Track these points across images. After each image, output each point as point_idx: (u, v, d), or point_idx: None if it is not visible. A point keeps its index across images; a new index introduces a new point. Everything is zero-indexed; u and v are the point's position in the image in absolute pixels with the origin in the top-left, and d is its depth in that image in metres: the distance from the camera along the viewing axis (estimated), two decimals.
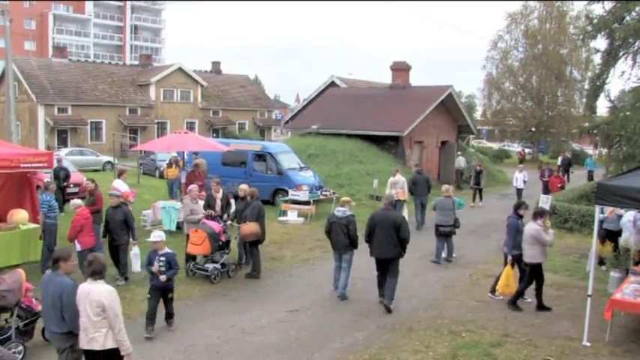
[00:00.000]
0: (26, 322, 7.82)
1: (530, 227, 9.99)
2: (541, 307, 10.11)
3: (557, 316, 9.93)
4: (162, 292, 8.88)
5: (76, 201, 11.27)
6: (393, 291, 10.06)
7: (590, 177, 30.10)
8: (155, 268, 8.69)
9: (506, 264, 10.65)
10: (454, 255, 13.82)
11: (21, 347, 7.61)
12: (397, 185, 17.54)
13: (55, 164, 16.91)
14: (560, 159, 32.46)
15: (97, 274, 5.95)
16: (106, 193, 12.17)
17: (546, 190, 22.03)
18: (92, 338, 5.84)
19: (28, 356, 7.74)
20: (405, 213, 16.53)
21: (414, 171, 19.73)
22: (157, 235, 8.95)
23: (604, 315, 8.76)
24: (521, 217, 10.65)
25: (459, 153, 30.00)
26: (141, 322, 9.16)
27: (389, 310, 9.92)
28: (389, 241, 9.85)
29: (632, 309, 8.73)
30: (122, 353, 5.89)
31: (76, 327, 5.96)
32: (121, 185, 14.77)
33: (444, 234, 13.48)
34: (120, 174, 15.07)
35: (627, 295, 8.73)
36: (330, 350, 8.31)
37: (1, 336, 7.53)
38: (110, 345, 5.84)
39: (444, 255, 13.68)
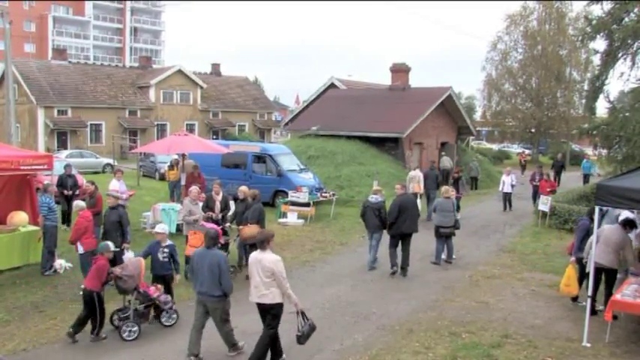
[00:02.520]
0: (143, 305, 8.87)
1: (622, 233, 9.66)
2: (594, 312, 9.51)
3: (557, 316, 9.93)
4: (163, 280, 9.42)
5: (79, 202, 11.25)
6: (408, 259, 12.42)
7: (586, 180, 28.49)
8: None
9: (582, 267, 10.39)
10: (454, 256, 13.81)
11: (136, 327, 8.63)
12: (414, 180, 19.35)
13: (62, 171, 16.64)
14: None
15: (264, 243, 7.45)
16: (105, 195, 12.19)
17: (536, 195, 20.98)
18: (263, 294, 7.38)
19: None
20: (419, 204, 16.85)
21: (427, 167, 22.08)
22: (161, 228, 9.64)
23: (604, 316, 8.77)
24: (593, 220, 10.37)
25: (443, 153, 29.16)
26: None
27: (406, 274, 12.18)
28: (412, 219, 12.44)
29: (632, 309, 8.73)
30: (292, 303, 7.47)
31: (229, 289, 7.65)
32: (114, 185, 15.12)
33: (444, 235, 13.49)
34: (114, 173, 16.02)
35: (627, 296, 8.72)
36: (329, 352, 8.31)
37: (123, 314, 8.71)
38: (277, 300, 7.40)
39: (443, 256, 13.67)
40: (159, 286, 9.25)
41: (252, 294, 7.55)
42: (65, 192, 16.14)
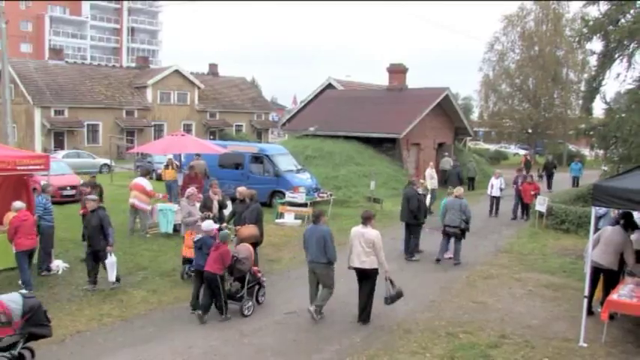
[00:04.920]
0: (252, 284, 10.10)
1: (623, 235, 9.62)
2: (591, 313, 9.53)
3: (554, 317, 9.95)
4: (201, 277, 9.72)
5: (16, 203, 10.94)
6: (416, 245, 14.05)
7: (576, 184, 27.67)
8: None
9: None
10: (460, 260, 13.59)
11: (250, 303, 9.92)
12: (428, 177, 20.79)
13: (87, 178, 15.98)
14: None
15: (367, 220, 9.33)
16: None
17: (519, 198, 20.16)
18: (363, 261, 9.20)
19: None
20: (428, 199, 17.53)
21: (450, 165, 24.03)
22: (209, 224, 10.30)
23: (601, 316, 8.79)
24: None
25: (445, 154, 28.98)
26: (137, 325, 9.17)
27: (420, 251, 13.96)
28: (405, 211, 13.97)
29: (628, 310, 8.74)
30: (384, 270, 9.27)
31: (334, 258, 9.35)
32: (147, 184, 15.45)
33: (450, 234, 13.62)
34: (145, 174, 16.20)
35: (623, 296, 8.74)
36: (327, 352, 8.31)
37: (238, 295, 9.90)
38: (374, 266, 9.23)
39: (448, 255, 13.75)
40: (256, 268, 10.41)
41: (353, 261, 9.33)
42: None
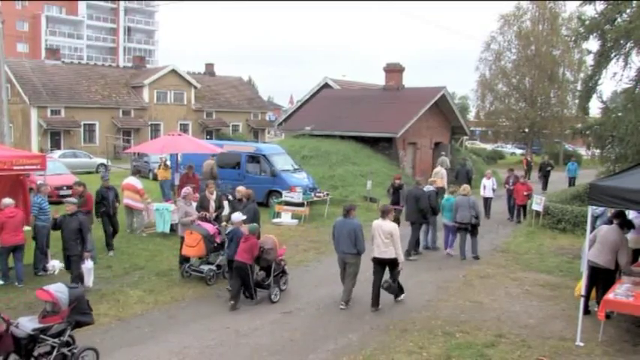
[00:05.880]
0: (277, 273, 10.85)
1: (619, 234, 9.61)
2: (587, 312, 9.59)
3: (550, 316, 9.96)
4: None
5: (6, 200, 10.93)
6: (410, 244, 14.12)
7: (572, 184, 27.03)
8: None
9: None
10: (479, 254, 14.23)
11: (277, 290, 10.67)
12: (438, 175, 20.72)
13: (100, 183, 14.16)
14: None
15: (385, 214, 10.17)
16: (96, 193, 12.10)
17: (510, 200, 19.79)
18: (383, 251, 9.99)
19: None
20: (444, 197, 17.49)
21: (459, 164, 24.16)
22: (238, 216, 10.88)
23: (597, 315, 8.80)
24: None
25: (443, 153, 28.34)
26: (134, 325, 9.16)
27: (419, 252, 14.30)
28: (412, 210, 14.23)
29: (624, 309, 8.76)
30: (399, 261, 10.06)
31: (362, 249, 10.04)
32: (137, 183, 15.42)
33: (463, 229, 14.15)
34: (135, 173, 16.43)
35: (620, 295, 8.76)
36: (324, 352, 8.31)
37: (269, 279, 10.64)
38: (393, 256, 9.97)
39: (451, 252, 14.40)
40: (281, 257, 11.06)
41: (374, 251, 10.12)
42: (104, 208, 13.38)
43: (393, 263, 10.14)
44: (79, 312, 7.41)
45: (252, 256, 10.25)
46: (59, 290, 7.29)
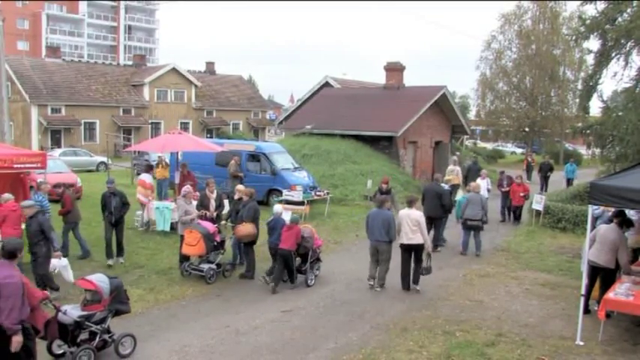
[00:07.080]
0: (313, 259, 11.67)
1: (618, 233, 9.58)
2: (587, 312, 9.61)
3: (550, 315, 9.97)
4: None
5: (5, 195, 10.90)
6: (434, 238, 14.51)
7: (569, 184, 26.46)
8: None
9: None
10: (481, 250, 14.45)
11: (313, 275, 11.61)
12: (453, 172, 21.08)
13: (106, 188, 12.94)
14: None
15: (412, 202, 11.17)
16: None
17: (506, 202, 19.41)
18: (410, 238, 10.92)
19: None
20: (460, 194, 17.48)
21: (470, 161, 24.50)
22: (279, 207, 12.18)
23: (597, 314, 8.80)
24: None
25: (458, 154, 28.32)
26: (134, 323, 9.15)
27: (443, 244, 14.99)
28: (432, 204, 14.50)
29: (624, 308, 8.76)
30: (426, 247, 11.06)
31: (394, 237, 10.96)
32: (147, 178, 16.12)
33: (472, 227, 14.32)
34: (148, 170, 17.24)
35: (620, 295, 8.76)
36: (324, 350, 8.31)
37: (306, 265, 11.55)
38: (420, 242, 10.95)
39: (474, 249, 14.41)
40: (318, 243, 11.86)
41: (402, 238, 11.00)
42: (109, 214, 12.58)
43: (419, 249, 10.95)
44: (119, 301, 7.92)
45: (296, 243, 11.12)
46: (101, 280, 7.78)
